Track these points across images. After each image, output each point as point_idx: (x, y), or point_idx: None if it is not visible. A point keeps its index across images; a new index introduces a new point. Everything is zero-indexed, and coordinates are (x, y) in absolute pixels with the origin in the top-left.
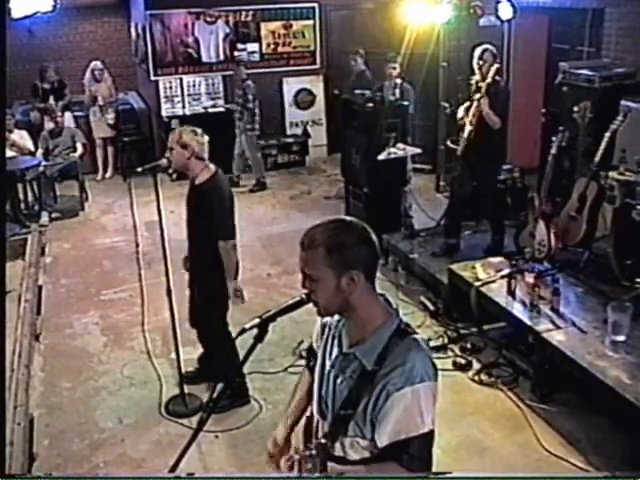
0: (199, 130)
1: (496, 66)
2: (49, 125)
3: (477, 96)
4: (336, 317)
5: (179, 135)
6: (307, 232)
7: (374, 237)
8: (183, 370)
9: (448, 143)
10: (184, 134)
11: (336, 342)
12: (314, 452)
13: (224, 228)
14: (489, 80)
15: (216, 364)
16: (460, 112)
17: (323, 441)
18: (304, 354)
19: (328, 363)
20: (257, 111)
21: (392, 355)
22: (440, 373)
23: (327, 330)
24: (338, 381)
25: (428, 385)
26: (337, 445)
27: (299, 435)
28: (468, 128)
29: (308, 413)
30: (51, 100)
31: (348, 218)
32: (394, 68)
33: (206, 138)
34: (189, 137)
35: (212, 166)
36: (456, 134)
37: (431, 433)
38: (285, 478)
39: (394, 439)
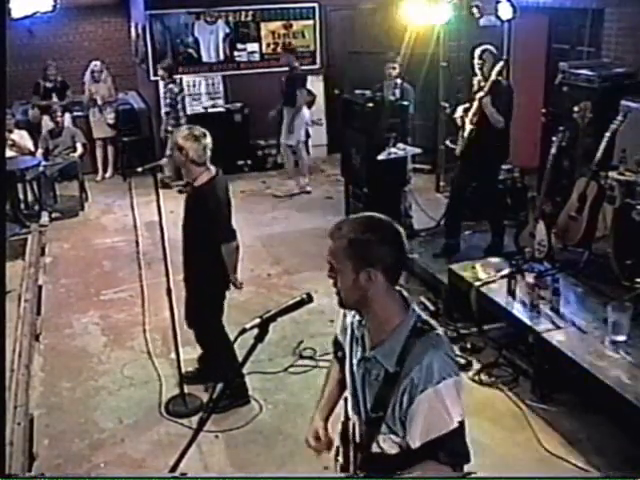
0: (199, 132)
1: (501, 63)
2: (49, 125)
3: (480, 95)
4: (357, 317)
5: (177, 136)
6: (338, 222)
7: (402, 239)
8: (183, 370)
9: (448, 143)
10: (180, 137)
11: (360, 343)
12: (353, 453)
13: (224, 231)
14: (493, 78)
15: (215, 364)
16: (458, 111)
17: (360, 441)
18: (314, 351)
19: (355, 363)
20: (181, 114)
21: (411, 355)
22: None
23: (349, 331)
24: (366, 382)
25: (450, 382)
26: (373, 443)
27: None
28: (469, 127)
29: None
30: (54, 98)
31: (382, 216)
32: (394, 68)
33: (207, 141)
34: (184, 141)
35: (213, 169)
36: (456, 134)
37: (461, 426)
38: (285, 478)
39: (425, 440)
